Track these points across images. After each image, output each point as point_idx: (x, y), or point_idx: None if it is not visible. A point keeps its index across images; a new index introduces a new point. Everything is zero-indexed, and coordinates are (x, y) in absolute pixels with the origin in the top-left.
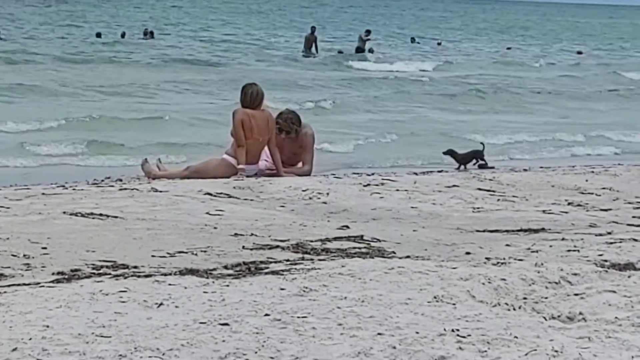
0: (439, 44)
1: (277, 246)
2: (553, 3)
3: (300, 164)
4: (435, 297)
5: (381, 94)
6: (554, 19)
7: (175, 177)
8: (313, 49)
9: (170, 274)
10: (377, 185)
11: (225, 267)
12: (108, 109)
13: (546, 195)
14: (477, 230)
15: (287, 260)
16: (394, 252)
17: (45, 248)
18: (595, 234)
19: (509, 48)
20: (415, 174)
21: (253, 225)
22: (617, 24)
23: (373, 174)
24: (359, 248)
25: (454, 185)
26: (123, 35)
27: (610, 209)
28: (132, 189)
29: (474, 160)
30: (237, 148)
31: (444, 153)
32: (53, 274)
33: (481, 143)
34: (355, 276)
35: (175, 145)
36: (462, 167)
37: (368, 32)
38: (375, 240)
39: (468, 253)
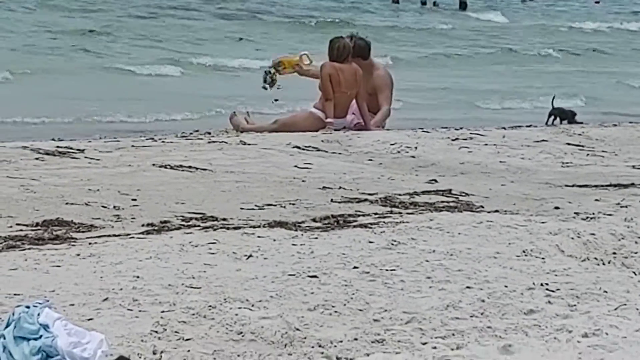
0: (523, 1)
1: (366, 199)
2: None
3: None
4: (524, 251)
5: None
6: None
7: (264, 130)
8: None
9: (259, 227)
10: (465, 139)
11: (314, 220)
12: None
13: (636, 150)
14: (566, 185)
15: (376, 214)
16: (482, 206)
17: (135, 200)
18: None
19: (597, 2)
20: (504, 128)
21: (341, 178)
22: None
23: (461, 128)
24: (447, 202)
25: (543, 140)
26: None
27: None
28: (221, 142)
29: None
30: (325, 102)
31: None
32: (143, 225)
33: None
34: (443, 230)
35: None
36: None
37: None
38: (463, 194)
39: (557, 208)
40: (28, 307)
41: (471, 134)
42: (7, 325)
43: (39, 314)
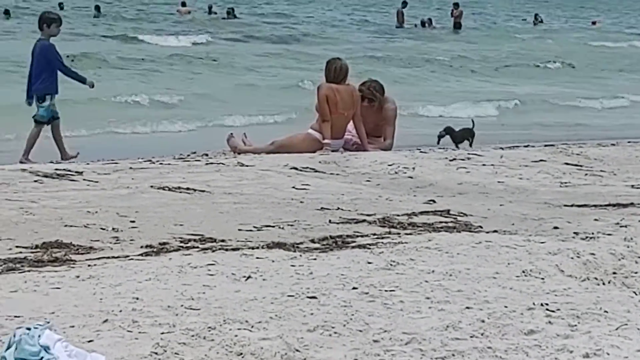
0: (524, 19)
1: (364, 220)
2: None
3: (382, 139)
4: (523, 272)
5: None
6: None
7: (261, 151)
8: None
9: (257, 248)
10: (463, 159)
11: (312, 241)
12: None
13: (634, 169)
14: (565, 205)
15: (374, 234)
16: (480, 227)
17: (133, 221)
18: None
19: (594, 22)
20: (502, 148)
21: (339, 199)
22: None
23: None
24: (446, 222)
25: (541, 160)
26: (210, 9)
27: None
28: (219, 164)
29: (467, 140)
30: (322, 123)
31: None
32: (142, 247)
33: (471, 120)
34: (442, 250)
35: None
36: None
37: (404, 4)
38: (462, 214)
39: (556, 227)
40: (29, 328)
41: (469, 154)
42: (8, 347)
43: (39, 336)
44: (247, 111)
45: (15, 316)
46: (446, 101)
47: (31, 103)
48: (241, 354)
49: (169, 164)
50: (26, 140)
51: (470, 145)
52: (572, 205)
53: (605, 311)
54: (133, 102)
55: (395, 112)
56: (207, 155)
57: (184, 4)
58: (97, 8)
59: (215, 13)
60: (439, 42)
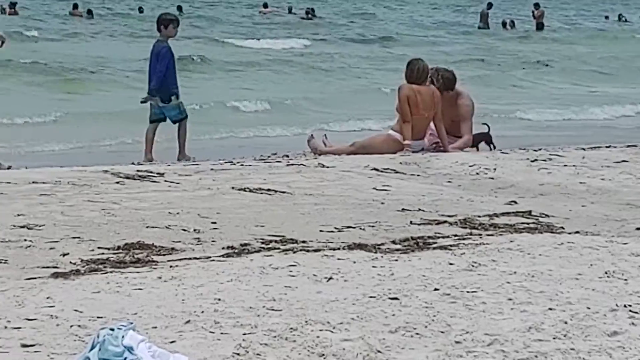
0: (606, 17)
1: (445, 221)
2: None
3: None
4: (606, 273)
5: None
6: None
7: (342, 152)
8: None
9: (338, 249)
10: (544, 160)
11: (394, 242)
12: None
13: None
14: None
15: (455, 236)
16: (562, 228)
17: (214, 223)
18: None
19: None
20: (583, 149)
21: (420, 200)
22: None
23: (540, 149)
24: (527, 223)
25: (623, 161)
26: (290, 10)
27: None
28: (299, 165)
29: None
30: (402, 124)
31: None
32: (223, 248)
33: (485, 124)
34: (524, 251)
35: None
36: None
37: (490, 5)
38: (543, 215)
39: (638, 229)
40: (112, 329)
41: (550, 154)
42: (92, 348)
43: (123, 337)
44: (356, 115)
45: (98, 317)
46: (566, 105)
47: (145, 101)
48: (323, 355)
49: (250, 165)
50: (178, 139)
51: (491, 147)
52: None
53: None
54: (240, 107)
55: (471, 108)
56: (287, 156)
57: (265, 5)
58: (180, 8)
59: (295, 14)
60: (535, 44)
